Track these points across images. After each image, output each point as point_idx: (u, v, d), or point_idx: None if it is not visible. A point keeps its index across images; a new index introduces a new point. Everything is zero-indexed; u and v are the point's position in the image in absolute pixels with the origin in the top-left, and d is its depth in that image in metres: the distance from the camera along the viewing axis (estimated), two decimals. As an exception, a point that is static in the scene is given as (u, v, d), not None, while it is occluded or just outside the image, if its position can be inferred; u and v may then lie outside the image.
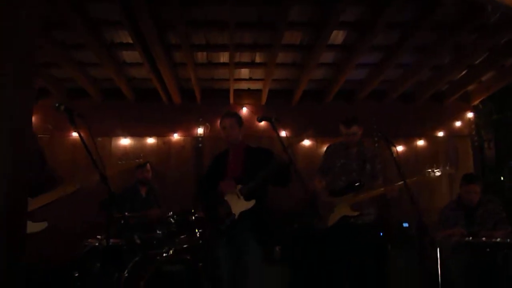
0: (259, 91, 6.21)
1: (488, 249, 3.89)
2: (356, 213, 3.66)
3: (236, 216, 3.22)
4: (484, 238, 3.91)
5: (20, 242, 1.61)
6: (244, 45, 4.94)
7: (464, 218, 4.20)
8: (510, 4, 2.89)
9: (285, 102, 6.30)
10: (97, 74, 5.67)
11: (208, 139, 6.14)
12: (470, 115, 6.50)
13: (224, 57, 5.30)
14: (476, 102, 6.45)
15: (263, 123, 5.86)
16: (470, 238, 3.96)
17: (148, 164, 5.15)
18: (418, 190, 5.83)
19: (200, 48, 5.02)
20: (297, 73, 5.70)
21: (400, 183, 3.41)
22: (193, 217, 4.21)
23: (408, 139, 6.39)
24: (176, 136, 6.23)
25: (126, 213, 4.29)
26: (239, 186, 3.27)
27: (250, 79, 6.01)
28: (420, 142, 6.44)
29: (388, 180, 3.81)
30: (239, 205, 3.24)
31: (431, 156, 6.25)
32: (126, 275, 3.72)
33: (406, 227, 5.44)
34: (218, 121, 6.00)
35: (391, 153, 3.22)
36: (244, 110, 6.25)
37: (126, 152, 6.05)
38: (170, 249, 3.91)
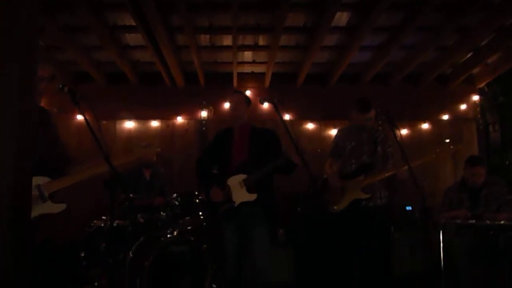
0: (262, 74, 6.19)
1: (491, 232, 3.89)
2: (367, 196, 3.61)
3: (235, 205, 3.23)
4: (488, 221, 3.91)
5: (25, 226, 1.63)
6: (248, 27, 4.91)
7: (468, 200, 4.20)
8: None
9: (288, 85, 6.27)
10: (100, 57, 5.67)
11: (212, 122, 6.15)
12: (475, 97, 6.44)
13: (227, 40, 5.28)
14: (481, 85, 6.38)
15: (266, 106, 5.93)
16: (474, 220, 3.96)
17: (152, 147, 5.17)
18: (422, 173, 5.85)
19: (203, 31, 5.00)
20: (300, 56, 5.67)
21: (407, 165, 3.36)
22: (197, 200, 4.25)
23: (412, 122, 6.35)
24: (180, 120, 6.24)
25: (131, 195, 4.32)
26: (244, 176, 3.24)
27: (254, 62, 5.98)
28: (425, 125, 6.40)
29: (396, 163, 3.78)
30: (240, 195, 3.24)
31: (436, 139, 6.23)
32: (131, 255, 3.77)
33: (409, 211, 5.45)
34: (222, 104, 6.16)
35: (395, 136, 3.20)
36: (248, 94, 6.22)
37: (131, 135, 6.08)
38: (174, 230, 3.95)
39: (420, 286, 4.64)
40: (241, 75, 6.26)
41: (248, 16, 4.67)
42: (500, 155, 6.17)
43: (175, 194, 4.24)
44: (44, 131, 2.79)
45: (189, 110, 6.24)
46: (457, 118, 6.43)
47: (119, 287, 3.80)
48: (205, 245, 3.87)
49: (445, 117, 6.42)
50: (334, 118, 6.15)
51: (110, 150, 2.82)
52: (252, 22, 4.83)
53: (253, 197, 3.22)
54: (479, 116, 6.42)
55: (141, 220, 4.09)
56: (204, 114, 6.18)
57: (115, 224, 3.98)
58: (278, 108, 3.01)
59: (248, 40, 5.32)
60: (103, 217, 4.12)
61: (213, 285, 3.86)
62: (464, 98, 6.45)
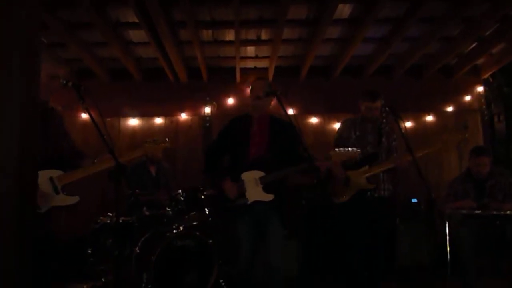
0: (265, 69, 6.17)
1: (497, 222, 3.88)
2: (372, 186, 3.60)
3: (249, 202, 3.07)
4: (494, 212, 3.89)
5: (31, 219, 1.64)
6: (250, 21, 4.90)
7: (473, 190, 4.18)
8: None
9: (292, 79, 6.25)
10: (104, 54, 5.68)
11: (216, 117, 6.16)
12: (480, 88, 6.41)
13: (229, 35, 5.28)
14: (486, 76, 6.35)
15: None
16: (480, 211, 3.95)
17: (157, 143, 5.20)
18: (427, 165, 5.84)
19: (205, 26, 4.99)
20: (303, 49, 5.65)
21: (411, 156, 3.33)
22: (202, 195, 4.26)
23: (416, 114, 6.33)
24: (183, 116, 6.25)
25: (137, 191, 4.34)
26: (260, 173, 3.08)
27: (256, 57, 5.97)
28: (429, 117, 6.38)
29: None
30: (255, 192, 3.08)
31: (440, 131, 6.20)
32: (138, 251, 3.79)
33: (414, 203, 5.44)
34: (225, 100, 6.15)
35: (400, 128, 3.18)
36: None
37: (135, 132, 6.10)
38: (180, 225, 3.97)
39: (426, 277, 4.64)
40: (244, 70, 6.25)
41: (250, 9, 4.65)
42: (506, 146, 6.15)
43: (180, 190, 4.25)
44: (55, 125, 2.80)
45: (193, 106, 6.25)
46: (462, 109, 6.40)
47: (126, 282, 3.83)
48: (210, 240, 3.88)
49: (450, 108, 6.39)
50: (337, 111, 6.13)
51: (115, 145, 2.85)
52: (254, 16, 4.82)
53: (269, 197, 3.07)
54: (484, 107, 6.39)
55: (147, 213, 4.10)
56: (207, 110, 6.19)
57: (120, 221, 4.00)
58: (281, 101, 2.95)
59: (251, 35, 5.31)
60: (109, 214, 4.14)
61: (220, 280, 3.88)
62: (469, 89, 6.42)
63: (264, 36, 5.34)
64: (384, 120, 3.88)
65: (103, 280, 3.93)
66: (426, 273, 4.71)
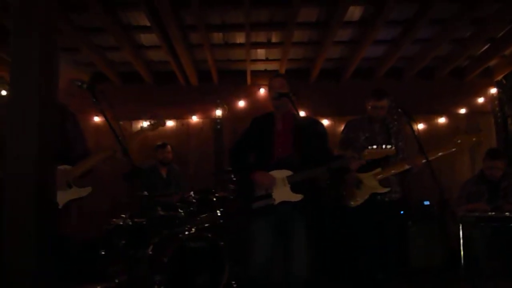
0: (275, 71, 6.18)
1: (511, 224, 3.85)
2: (386, 190, 3.51)
3: (276, 202, 2.92)
4: (507, 213, 3.85)
5: (50, 211, 1.69)
6: (260, 23, 4.92)
7: (487, 192, 4.16)
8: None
9: (302, 81, 6.25)
10: (115, 57, 5.74)
11: (227, 120, 6.18)
12: (493, 90, 6.35)
13: (240, 38, 5.30)
14: (499, 77, 6.29)
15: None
16: (493, 213, 3.92)
17: (168, 146, 5.25)
18: (439, 167, 5.78)
19: (216, 29, 5.02)
20: (313, 52, 5.66)
21: (425, 159, 3.25)
22: (214, 197, 4.28)
23: (428, 116, 6.30)
24: (194, 119, 6.28)
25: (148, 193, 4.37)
26: (288, 172, 2.96)
27: (267, 59, 5.99)
28: (441, 120, 6.34)
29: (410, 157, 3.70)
30: (282, 192, 2.94)
31: (453, 133, 6.15)
32: (150, 252, 3.82)
33: (427, 205, 5.40)
34: (236, 102, 6.18)
35: (412, 130, 3.12)
36: (262, 91, 6.24)
37: (146, 135, 6.12)
38: (192, 227, 3.98)
39: (438, 279, 4.60)
40: (255, 73, 6.27)
41: (260, 12, 4.68)
42: (519, 148, 6.07)
43: (192, 192, 4.28)
44: (71, 126, 2.89)
45: (204, 108, 6.28)
46: (474, 111, 6.35)
47: (139, 283, 3.86)
48: (222, 242, 3.89)
49: (462, 110, 6.35)
50: (347, 114, 6.00)
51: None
52: (264, 19, 4.84)
53: (298, 197, 2.93)
54: (497, 109, 6.33)
55: (161, 213, 4.13)
56: (218, 112, 6.21)
57: (131, 223, 4.04)
58: (293, 101, 2.93)
59: (261, 37, 5.33)
60: (122, 215, 4.17)
61: (232, 282, 3.89)
62: (481, 91, 6.37)
63: (274, 38, 5.36)
64: (395, 122, 3.84)
65: (116, 281, 3.95)
66: (439, 275, 4.67)
